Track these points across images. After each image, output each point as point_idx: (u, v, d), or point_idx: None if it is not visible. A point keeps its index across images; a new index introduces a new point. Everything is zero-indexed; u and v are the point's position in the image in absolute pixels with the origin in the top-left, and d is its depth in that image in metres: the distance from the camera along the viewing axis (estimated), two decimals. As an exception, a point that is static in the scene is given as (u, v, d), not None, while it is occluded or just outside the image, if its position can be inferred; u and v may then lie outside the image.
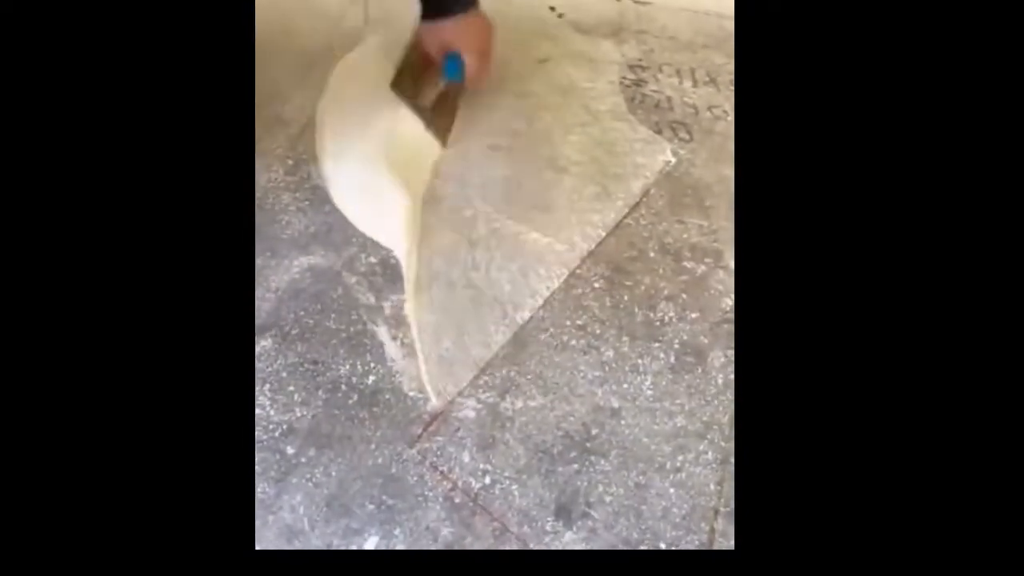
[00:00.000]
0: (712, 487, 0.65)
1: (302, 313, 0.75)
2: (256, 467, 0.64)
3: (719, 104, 0.98)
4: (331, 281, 0.78)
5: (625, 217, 0.85)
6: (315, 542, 0.60)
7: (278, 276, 0.78)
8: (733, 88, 0.99)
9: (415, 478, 0.63)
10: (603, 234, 0.83)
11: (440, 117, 0.89)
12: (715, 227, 0.85)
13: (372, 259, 0.80)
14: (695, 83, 1.01)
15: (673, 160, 0.91)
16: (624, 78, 1.00)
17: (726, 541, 0.62)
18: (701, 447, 0.67)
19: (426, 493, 0.63)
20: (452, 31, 0.84)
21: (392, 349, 0.73)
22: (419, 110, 0.88)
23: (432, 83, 0.89)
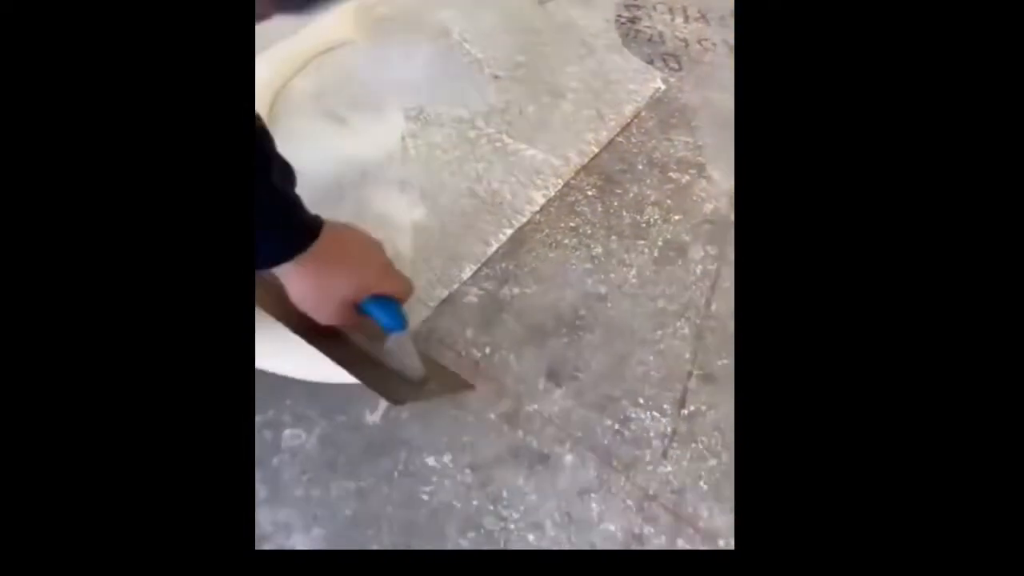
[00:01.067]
0: (687, 355, 0.74)
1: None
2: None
3: (708, 37, 1.06)
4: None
5: (617, 135, 0.93)
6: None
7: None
8: (722, 23, 1.07)
9: (423, 348, 0.73)
10: (596, 150, 0.91)
11: (438, 372, 0.69)
12: (700, 143, 0.93)
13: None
14: (686, 19, 1.09)
15: (663, 87, 0.99)
16: (619, 16, 1.09)
17: (697, 399, 0.71)
18: (678, 324, 0.76)
19: (434, 358, 0.72)
20: (338, 270, 0.59)
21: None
22: (434, 394, 0.67)
23: (392, 348, 0.64)
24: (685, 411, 0.70)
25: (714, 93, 0.99)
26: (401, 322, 0.63)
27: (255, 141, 0.53)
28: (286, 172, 0.57)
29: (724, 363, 0.73)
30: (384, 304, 0.62)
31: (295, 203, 0.57)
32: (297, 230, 0.56)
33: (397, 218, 0.85)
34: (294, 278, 0.58)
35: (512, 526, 0.63)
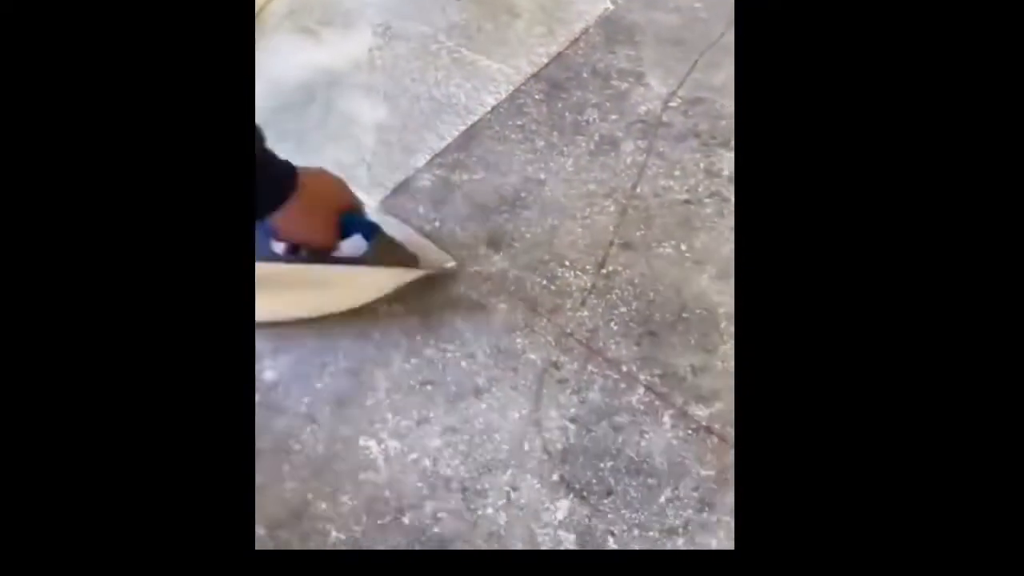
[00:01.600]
0: (610, 228, 0.85)
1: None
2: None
3: (657, -38, 1.15)
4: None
5: (566, 49, 1.03)
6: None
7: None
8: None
9: (378, 220, 0.84)
10: (546, 61, 1.02)
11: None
12: (641, 56, 1.03)
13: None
14: (638, -53, 1.18)
15: (612, 7, 1.09)
16: (575, -56, 1.18)
17: (616, 262, 0.82)
18: (606, 203, 0.87)
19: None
20: (317, 194, 0.72)
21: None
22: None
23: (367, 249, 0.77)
24: (604, 270, 0.81)
25: (660, 14, 1.08)
26: (366, 230, 0.76)
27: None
28: (260, 134, 0.66)
29: (642, 233, 0.84)
30: (358, 219, 0.77)
31: (276, 159, 0.68)
32: (284, 180, 0.68)
33: (362, 117, 0.96)
34: (288, 217, 0.70)
35: (449, 355, 0.75)
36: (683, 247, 0.83)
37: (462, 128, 0.94)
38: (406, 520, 0.65)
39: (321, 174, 0.74)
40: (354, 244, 0.76)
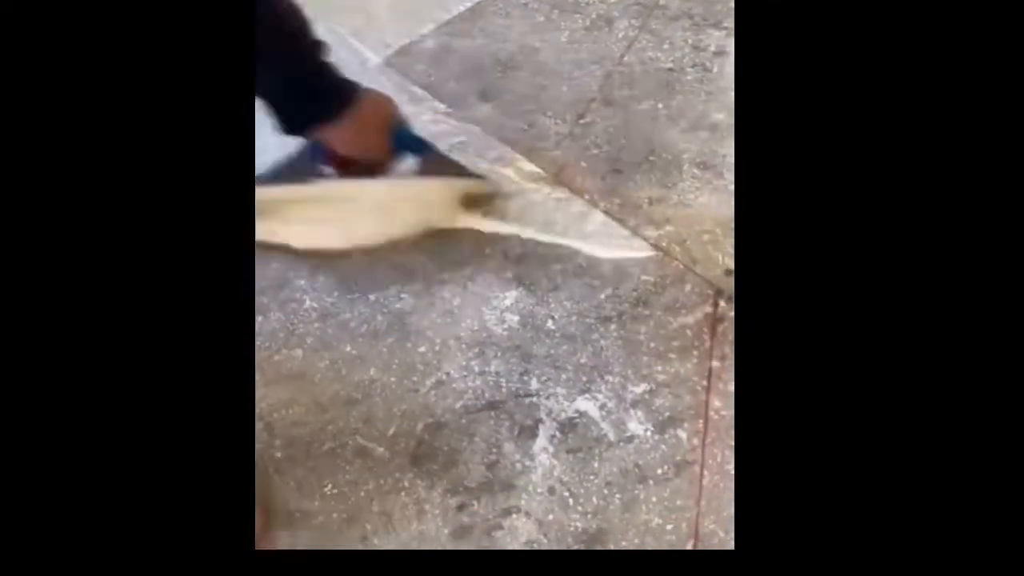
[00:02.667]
0: (595, 88, 0.92)
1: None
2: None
3: None
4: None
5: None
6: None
7: None
8: None
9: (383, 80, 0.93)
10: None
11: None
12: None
13: None
14: None
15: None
16: None
17: (594, 115, 0.89)
18: (594, 68, 0.94)
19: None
20: (370, 112, 0.71)
21: None
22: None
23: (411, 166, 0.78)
24: (582, 121, 0.88)
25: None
26: (415, 146, 0.77)
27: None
28: (322, 47, 0.67)
29: (623, 93, 0.90)
30: (407, 134, 0.76)
31: (335, 72, 0.68)
32: (342, 94, 0.68)
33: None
34: (342, 132, 0.69)
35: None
36: (660, 105, 0.89)
37: (469, 4, 1.02)
38: (372, 298, 0.74)
39: (372, 91, 0.72)
40: (406, 161, 0.77)
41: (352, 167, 0.73)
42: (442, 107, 0.90)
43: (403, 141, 0.75)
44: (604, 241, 0.76)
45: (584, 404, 0.65)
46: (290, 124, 0.67)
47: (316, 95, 0.66)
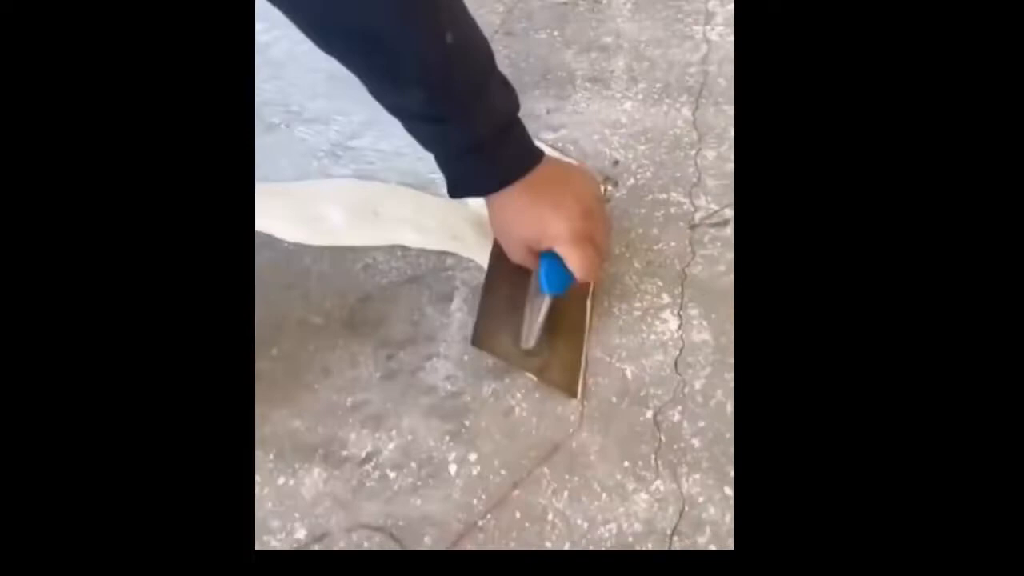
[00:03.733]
0: (497, 23, 1.03)
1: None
2: None
3: None
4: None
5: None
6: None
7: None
8: None
9: None
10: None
11: (556, 355, 0.66)
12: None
13: None
14: None
15: None
16: None
17: (496, 46, 1.00)
18: (496, 6, 1.06)
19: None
20: (530, 211, 0.57)
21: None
22: (521, 364, 0.65)
23: (530, 308, 0.64)
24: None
25: None
26: (554, 288, 0.61)
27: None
28: (508, 92, 0.57)
29: (523, 25, 1.02)
30: (556, 265, 0.59)
31: (515, 132, 0.57)
32: (512, 161, 0.56)
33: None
34: (495, 208, 0.59)
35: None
36: (556, 33, 1.02)
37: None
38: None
39: (570, 176, 0.60)
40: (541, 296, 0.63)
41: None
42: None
43: (544, 270, 0.61)
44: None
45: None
46: (454, 189, 0.60)
47: (480, 157, 0.56)
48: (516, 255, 0.63)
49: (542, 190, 0.58)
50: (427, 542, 0.61)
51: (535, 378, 0.66)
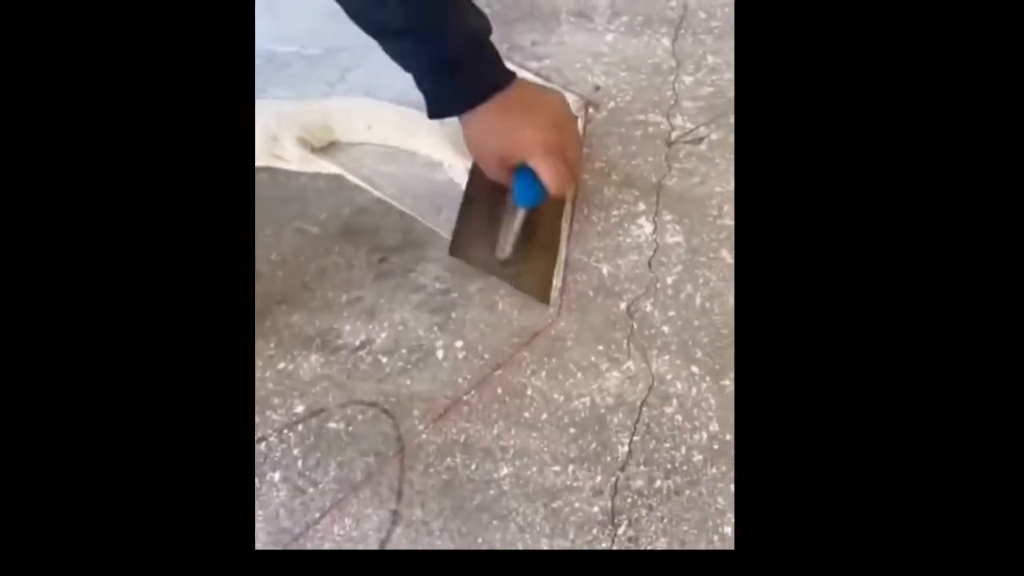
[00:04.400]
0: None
1: None
2: None
3: None
4: None
5: None
6: None
7: None
8: None
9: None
10: None
11: (530, 265, 0.71)
12: None
13: None
14: None
15: None
16: None
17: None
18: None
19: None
20: (502, 127, 0.62)
21: None
22: (497, 272, 0.70)
23: (505, 219, 0.69)
24: None
25: None
26: (526, 200, 0.65)
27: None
28: (479, 12, 0.62)
29: None
30: (528, 178, 0.63)
31: (486, 51, 0.62)
32: (483, 80, 0.61)
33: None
34: (468, 126, 0.64)
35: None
36: (541, -26, 1.06)
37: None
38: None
39: (539, 95, 0.65)
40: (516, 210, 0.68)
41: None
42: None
43: (517, 184, 0.66)
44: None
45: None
46: (432, 110, 0.64)
47: (456, 78, 0.61)
48: (491, 171, 0.68)
49: (514, 107, 0.62)
50: (415, 414, 0.67)
51: (518, 290, 0.71)
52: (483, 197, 0.73)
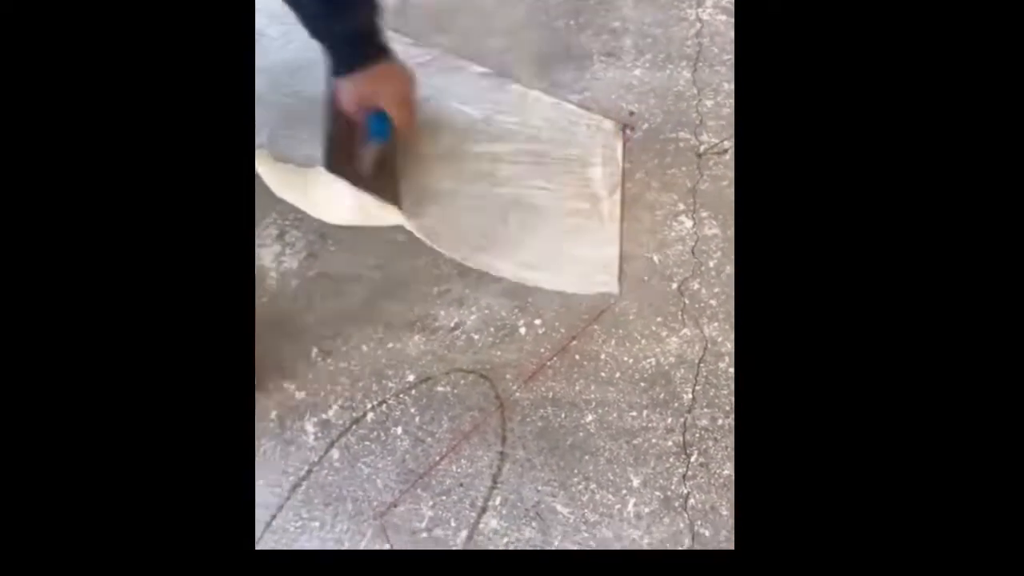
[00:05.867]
0: (523, 14, 1.27)
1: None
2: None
3: None
4: None
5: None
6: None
7: None
8: None
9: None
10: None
11: (382, 180, 0.92)
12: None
13: None
14: None
15: None
16: None
17: (523, 34, 1.24)
18: (518, 5, 1.29)
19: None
20: (368, 85, 0.87)
21: None
22: (361, 182, 0.86)
23: (366, 150, 0.92)
24: (515, 38, 1.23)
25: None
26: (381, 134, 0.91)
27: None
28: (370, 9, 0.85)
29: (544, 19, 1.26)
30: (380, 118, 0.90)
31: (372, 31, 0.87)
32: (364, 52, 0.87)
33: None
34: (346, 81, 0.88)
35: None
36: (572, 22, 1.25)
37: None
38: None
39: (395, 63, 0.90)
40: (368, 144, 0.92)
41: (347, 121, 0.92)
42: (409, 39, 1.24)
43: (375, 124, 0.90)
44: (537, 109, 1.10)
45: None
46: (338, 61, 0.87)
47: (352, 43, 0.85)
48: (349, 111, 0.90)
49: (382, 73, 0.89)
50: (508, 378, 0.81)
51: (372, 196, 0.85)
52: (339, 136, 0.94)
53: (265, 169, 0.86)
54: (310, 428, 0.79)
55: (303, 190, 0.89)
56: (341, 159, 0.91)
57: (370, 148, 0.91)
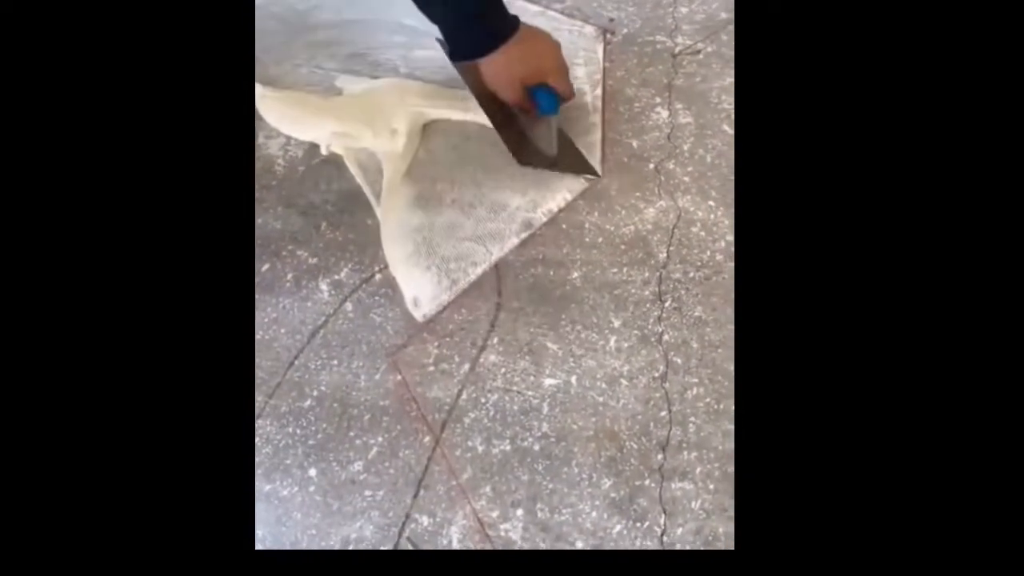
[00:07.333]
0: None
1: None
2: None
3: None
4: None
5: None
6: None
7: None
8: None
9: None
10: None
11: (570, 155, 0.95)
12: None
13: None
14: None
15: None
16: None
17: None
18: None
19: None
20: (520, 62, 0.82)
21: None
22: (555, 165, 0.92)
23: (541, 128, 0.92)
24: None
25: None
26: (553, 108, 0.88)
27: None
28: None
29: None
30: (547, 93, 0.87)
31: (500, 6, 0.82)
32: (500, 27, 0.81)
33: None
34: (491, 64, 0.83)
35: None
36: (555, -62, 1.32)
37: None
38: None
39: (538, 35, 0.85)
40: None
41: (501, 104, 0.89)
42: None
43: (544, 101, 0.87)
44: (524, 17, 1.19)
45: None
46: (455, 53, 0.84)
47: (481, 26, 0.79)
48: (512, 95, 0.87)
49: (528, 45, 0.84)
50: (499, 246, 0.90)
51: (568, 173, 0.95)
52: (506, 123, 0.93)
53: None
54: (324, 287, 0.89)
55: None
56: (523, 150, 0.91)
57: (549, 126, 0.92)
